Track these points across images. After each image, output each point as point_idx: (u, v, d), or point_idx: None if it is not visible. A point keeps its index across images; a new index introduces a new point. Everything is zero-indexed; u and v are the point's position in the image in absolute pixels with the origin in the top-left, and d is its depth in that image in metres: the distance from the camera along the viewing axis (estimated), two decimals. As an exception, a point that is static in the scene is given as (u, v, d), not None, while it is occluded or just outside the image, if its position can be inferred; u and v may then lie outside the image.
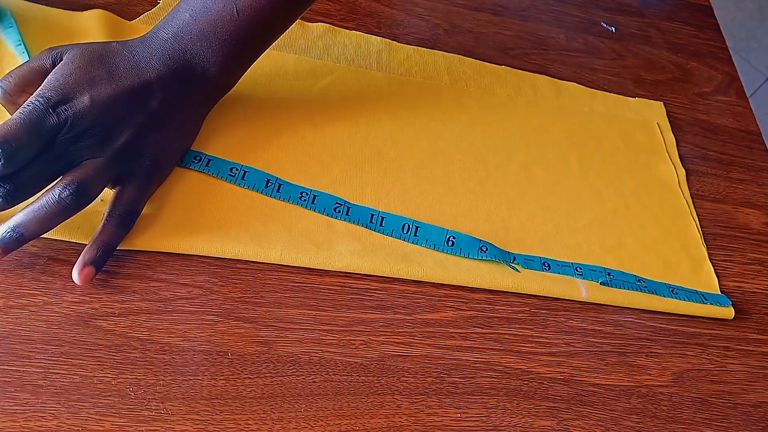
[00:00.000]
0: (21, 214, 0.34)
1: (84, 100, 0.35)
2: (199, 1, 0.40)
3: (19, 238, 0.34)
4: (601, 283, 0.45)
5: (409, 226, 0.44)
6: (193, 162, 0.41)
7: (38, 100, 0.34)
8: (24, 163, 0.33)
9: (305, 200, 0.42)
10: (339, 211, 0.43)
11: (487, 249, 0.43)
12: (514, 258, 0.44)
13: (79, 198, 0.34)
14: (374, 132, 0.48)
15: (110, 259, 0.37)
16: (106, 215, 0.36)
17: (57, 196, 0.34)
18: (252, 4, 0.40)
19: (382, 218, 0.43)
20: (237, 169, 0.42)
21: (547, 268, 0.45)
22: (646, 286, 0.45)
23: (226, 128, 0.44)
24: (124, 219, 0.37)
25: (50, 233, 0.36)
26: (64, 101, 0.35)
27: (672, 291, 0.46)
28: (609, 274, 0.45)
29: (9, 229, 0.33)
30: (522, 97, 0.56)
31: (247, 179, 0.42)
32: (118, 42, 0.39)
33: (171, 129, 0.39)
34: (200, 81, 0.40)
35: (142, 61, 0.38)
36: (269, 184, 0.42)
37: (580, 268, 0.45)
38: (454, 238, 0.44)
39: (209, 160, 0.42)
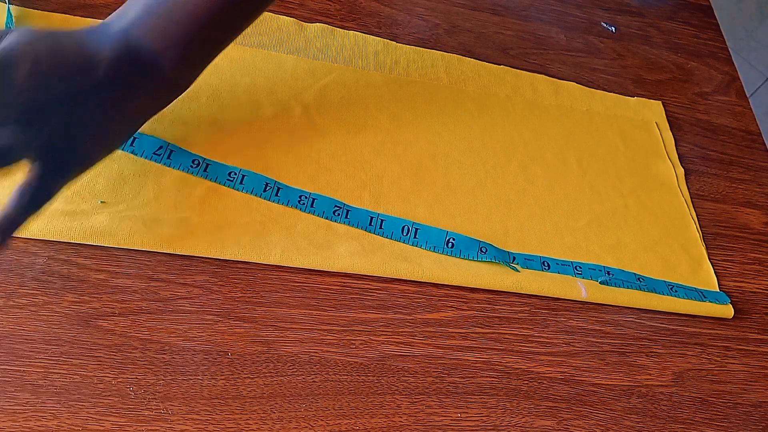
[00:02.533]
0: None
1: (22, 70, 0.33)
2: None
3: None
4: (600, 282, 0.45)
5: (408, 228, 0.44)
6: (191, 167, 0.41)
7: None
8: None
9: (304, 204, 0.42)
10: (338, 215, 0.43)
11: (486, 250, 0.44)
12: (514, 258, 0.44)
13: None
14: (373, 132, 0.48)
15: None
16: (13, 192, 0.34)
17: None
18: None
19: (382, 221, 0.43)
20: (235, 173, 0.42)
21: (546, 268, 0.45)
22: (645, 285, 0.45)
23: (224, 130, 0.44)
24: (30, 200, 0.35)
25: (50, 234, 0.36)
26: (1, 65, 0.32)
27: (671, 289, 0.46)
28: (608, 273, 0.46)
29: None
30: (520, 97, 0.56)
31: (246, 183, 0.42)
32: (67, 29, 0.36)
33: (106, 123, 0.37)
34: (149, 77, 0.38)
35: (91, 50, 0.35)
36: (268, 187, 0.42)
37: (580, 267, 0.45)
38: (453, 239, 0.44)
39: (207, 165, 0.42)
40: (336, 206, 0.43)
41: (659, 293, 0.46)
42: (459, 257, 0.43)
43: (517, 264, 0.44)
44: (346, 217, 0.43)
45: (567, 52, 0.62)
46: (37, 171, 0.35)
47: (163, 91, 0.40)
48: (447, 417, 0.38)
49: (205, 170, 0.42)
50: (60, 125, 0.35)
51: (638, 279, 0.46)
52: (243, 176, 0.42)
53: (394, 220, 0.44)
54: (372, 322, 0.40)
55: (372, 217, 0.43)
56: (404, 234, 0.43)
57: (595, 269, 0.46)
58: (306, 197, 0.43)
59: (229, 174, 0.42)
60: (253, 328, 0.38)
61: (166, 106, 0.40)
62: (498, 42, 0.60)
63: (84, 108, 0.35)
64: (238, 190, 0.42)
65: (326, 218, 0.42)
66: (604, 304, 0.45)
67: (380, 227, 0.43)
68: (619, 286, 0.45)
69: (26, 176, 0.35)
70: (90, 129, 0.36)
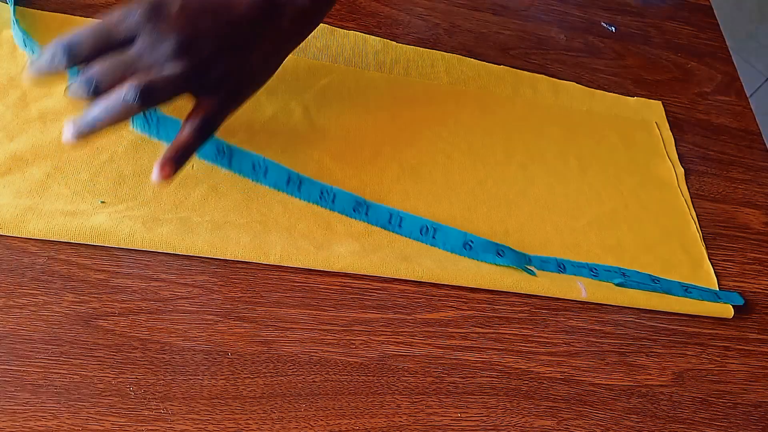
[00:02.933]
0: (93, 106, 0.34)
1: (173, 8, 0.36)
2: None
3: (92, 126, 0.34)
4: (616, 284, 0.45)
5: (427, 228, 0.43)
6: (218, 156, 0.41)
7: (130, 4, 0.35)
8: (82, 59, 0.35)
9: (325, 200, 0.42)
10: (358, 212, 0.42)
11: (504, 253, 0.43)
12: (530, 260, 0.44)
13: (142, 99, 0.34)
14: (373, 133, 0.48)
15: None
16: (184, 122, 0.38)
17: (121, 95, 0.34)
18: None
19: (401, 219, 0.43)
20: (259, 165, 0.42)
21: (562, 269, 0.45)
22: (660, 286, 0.45)
23: (224, 130, 0.44)
24: (200, 128, 0.37)
25: (50, 234, 0.36)
26: (157, 8, 0.35)
27: (686, 290, 0.46)
28: (624, 275, 0.45)
29: (82, 117, 0.34)
30: (520, 97, 0.56)
31: (269, 177, 0.42)
32: None
33: (255, 54, 0.39)
34: (289, 8, 0.40)
35: None
36: (290, 182, 0.42)
37: (596, 269, 0.45)
38: (472, 242, 0.43)
39: (232, 155, 0.41)
40: (357, 202, 0.43)
41: (675, 295, 0.45)
42: (476, 260, 0.43)
43: (533, 267, 0.44)
44: (365, 214, 0.43)
45: (567, 52, 0.62)
46: (200, 103, 0.38)
47: (302, 21, 0.42)
48: (447, 417, 0.38)
49: (229, 163, 0.41)
50: (211, 58, 0.37)
51: (653, 281, 0.46)
52: (266, 168, 0.42)
53: (413, 219, 0.43)
54: (372, 322, 0.40)
55: (392, 215, 0.43)
56: (422, 234, 0.43)
57: (610, 271, 0.46)
58: (328, 192, 0.42)
59: (254, 166, 0.42)
60: (253, 328, 0.38)
61: (305, 37, 0.43)
62: (498, 42, 0.60)
63: (230, 41, 0.38)
64: (260, 183, 0.42)
65: (346, 215, 0.42)
66: (604, 304, 0.45)
67: (399, 226, 0.43)
68: (635, 288, 0.45)
69: (190, 112, 0.38)
70: (238, 60, 0.38)
